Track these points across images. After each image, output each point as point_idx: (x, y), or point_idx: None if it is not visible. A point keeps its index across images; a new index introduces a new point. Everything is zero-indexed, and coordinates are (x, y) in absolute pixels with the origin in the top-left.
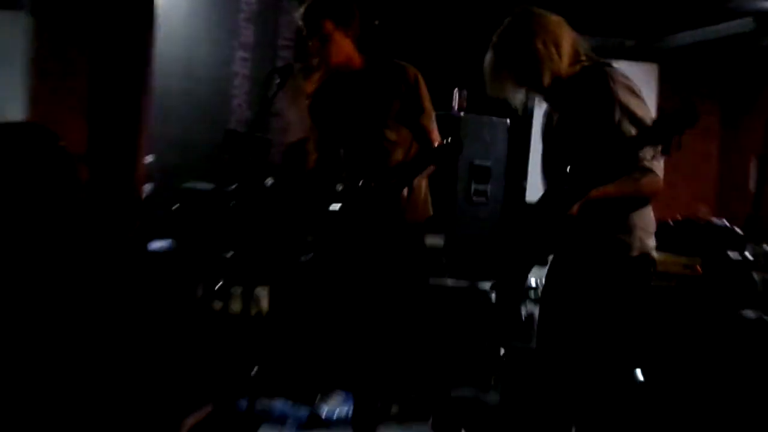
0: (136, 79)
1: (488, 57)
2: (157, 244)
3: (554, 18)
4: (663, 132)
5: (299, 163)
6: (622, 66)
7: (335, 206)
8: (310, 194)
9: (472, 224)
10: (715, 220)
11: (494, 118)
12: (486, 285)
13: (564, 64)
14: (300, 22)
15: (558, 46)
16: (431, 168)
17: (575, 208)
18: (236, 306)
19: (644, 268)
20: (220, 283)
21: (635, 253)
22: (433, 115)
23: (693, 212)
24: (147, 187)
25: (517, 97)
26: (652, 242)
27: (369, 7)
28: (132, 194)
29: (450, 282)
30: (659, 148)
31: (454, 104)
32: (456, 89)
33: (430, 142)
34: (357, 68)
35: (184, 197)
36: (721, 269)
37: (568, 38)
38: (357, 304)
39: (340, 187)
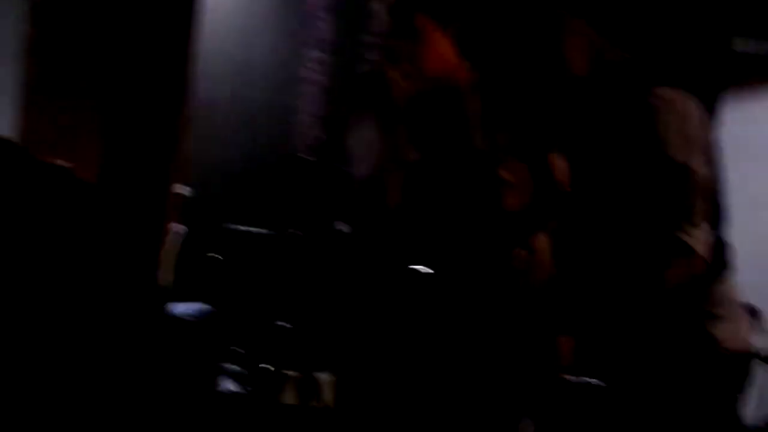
0: (169, 86)
1: None
2: (184, 307)
3: None
4: None
5: (379, 203)
6: None
7: (422, 268)
8: (389, 247)
9: None
10: None
11: None
12: None
13: None
14: (385, 16)
15: None
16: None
17: None
18: (290, 396)
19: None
20: (271, 364)
21: None
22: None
23: None
24: (178, 228)
25: None
26: None
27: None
28: (156, 236)
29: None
30: None
31: None
32: None
33: (558, 183)
34: (463, 82)
35: (227, 242)
36: None
37: None
38: (455, 403)
39: (432, 239)
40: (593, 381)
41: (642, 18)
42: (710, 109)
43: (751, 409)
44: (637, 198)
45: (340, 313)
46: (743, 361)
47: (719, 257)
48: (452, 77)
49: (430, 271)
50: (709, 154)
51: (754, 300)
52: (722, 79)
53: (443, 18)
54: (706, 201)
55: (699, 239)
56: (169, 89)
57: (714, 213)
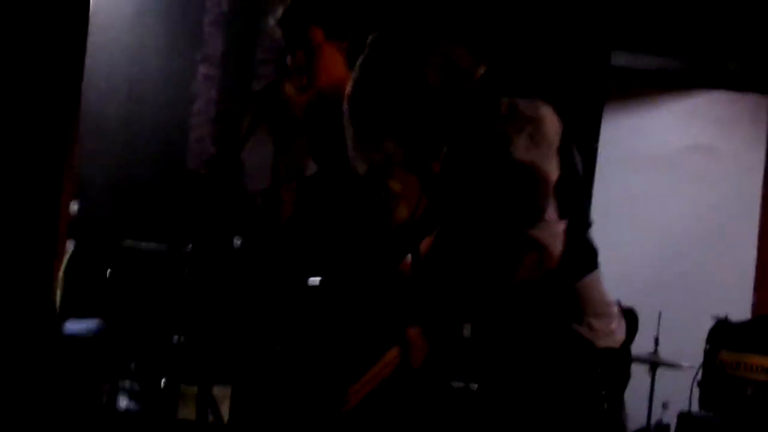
0: (58, 99)
1: None
2: (77, 325)
3: None
4: None
5: (272, 216)
6: (721, 97)
7: (314, 280)
8: (283, 260)
9: None
10: None
11: None
12: None
13: None
14: (277, 29)
15: None
16: None
17: None
18: (187, 411)
19: None
20: (166, 379)
21: None
22: None
23: None
24: (69, 245)
25: None
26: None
27: (367, 15)
28: (47, 254)
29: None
30: None
31: None
32: None
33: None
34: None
35: (120, 259)
36: None
37: None
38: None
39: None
40: (472, 385)
41: (519, 33)
42: (590, 120)
43: (636, 409)
44: (493, 200)
45: (235, 326)
46: (612, 358)
47: (582, 256)
48: (342, 90)
49: (319, 281)
50: (566, 157)
51: (630, 296)
52: (601, 91)
53: (335, 30)
54: (562, 201)
55: (551, 235)
56: (57, 106)
57: (574, 214)
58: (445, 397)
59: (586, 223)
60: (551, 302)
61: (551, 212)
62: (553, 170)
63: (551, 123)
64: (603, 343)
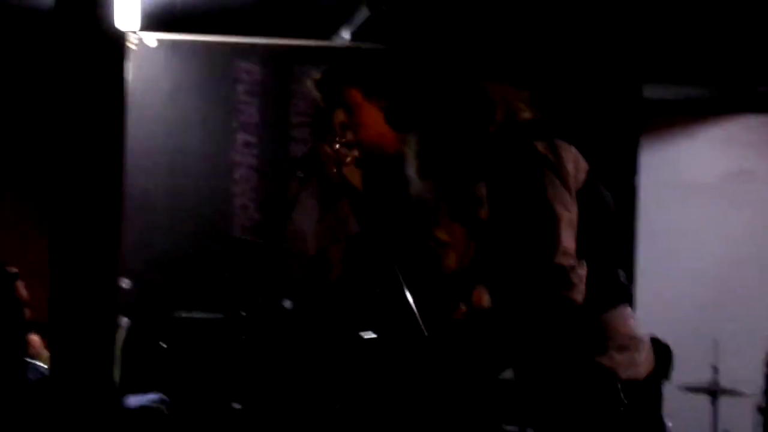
0: (103, 180)
1: None
2: (138, 399)
3: None
4: None
5: (321, 279)
6: (754, 121)
7: (368, 334)
8: (335, 317)
9: None
10: None
11: None
12: None
13: None
14: (315, 93)
15: None
16: None
17: None
18: None
19: None
20: None
21: None
22: None
23: None
24: (123, 321)
25: None
26: None
27: (404, 74)
28: (106, 333)
29: None
30: None
31: None
32: None
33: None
34: (392, 150)
35: (174, 331)
36: None
37: None
38: None
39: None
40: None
41: (552, 74)
42: (627, 155)
43: None
44: (522, 238)
45: (293, 389)
46: (637, 388)
47: (609, 291)
48: (384, 147)
49: (374, 336)
50: (591, 195)
51: (685, 326)
52: (635, 126)
53: (373, 90)
54: (585, 239)
55: (576, 273)
56: (102, 186)
57: (601, 250)
58: None
59: (614, 260)
60: (576, 334)
61: (567, 248)
62: (566, 209)
63: (569, 163)
64: (626, 374)
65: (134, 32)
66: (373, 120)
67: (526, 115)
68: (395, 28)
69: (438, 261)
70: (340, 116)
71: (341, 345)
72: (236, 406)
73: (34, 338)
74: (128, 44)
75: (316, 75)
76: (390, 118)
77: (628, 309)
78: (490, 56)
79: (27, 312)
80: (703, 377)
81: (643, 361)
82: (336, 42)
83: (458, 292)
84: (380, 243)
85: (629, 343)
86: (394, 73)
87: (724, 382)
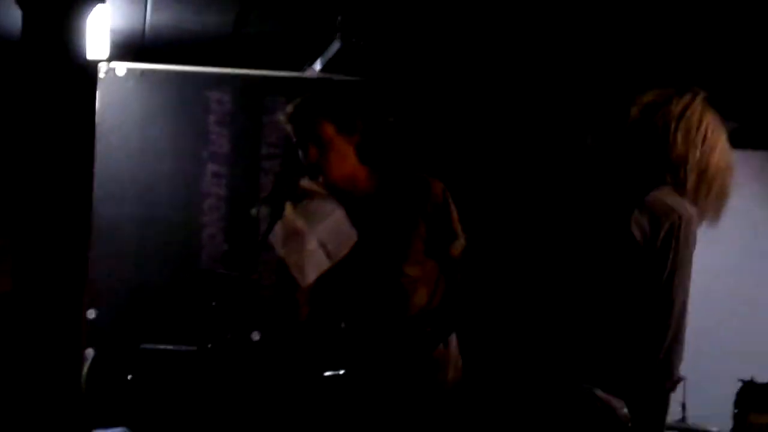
0: (70, 207)
1: None
2: None
3: None
4: None
5: (289, 317)
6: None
7: (331, 372)
8: (303, 356)
9: None
10: None
11: None
12: None
13: None
14: (287, 126)
15: None
16: None
17: None
18: None
19: None
20: None
21: None
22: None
23: None
24: (89, 353)
25: None
26: None
27: (375, 110)
28: (68, 365)
29: None
30: None
31: None
32: None
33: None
34: (363, 186)
35: (141, 363)
36: None
37: None
38: None
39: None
40: None
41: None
42: None
43: None
44: None
45: (260, 421)
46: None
47: None
48: (356, 183)
49: (341, 372)
50: None
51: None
52: None
53: (346, 125)
54: None
55: None
56: (69, 213)
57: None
58: None
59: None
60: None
61: None
62: None
63: None
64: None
65: (104, 61)
66: (345, 156)
67: None
68: (367, 60)
69: (407, 297)
70: (312, 151)
71: (306, 380)
72: None
73: None
74: (98, 73)
75: (289, 108)
76: (362, 154)
77: None
78: (463, 87)
79: None
80: (672, 414)
81: None
82: (308, 73)
83: (433, 330)
84: (348, 278)
85: None
86: (367, 106)
87: (693, 419)
